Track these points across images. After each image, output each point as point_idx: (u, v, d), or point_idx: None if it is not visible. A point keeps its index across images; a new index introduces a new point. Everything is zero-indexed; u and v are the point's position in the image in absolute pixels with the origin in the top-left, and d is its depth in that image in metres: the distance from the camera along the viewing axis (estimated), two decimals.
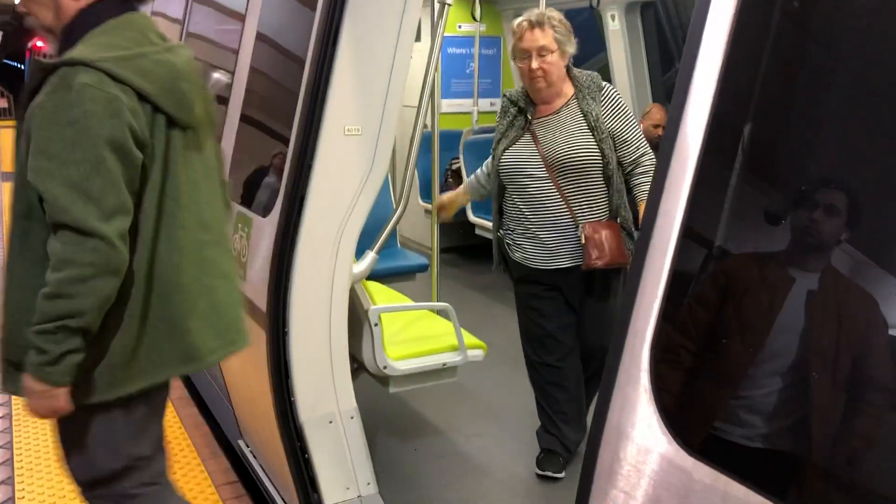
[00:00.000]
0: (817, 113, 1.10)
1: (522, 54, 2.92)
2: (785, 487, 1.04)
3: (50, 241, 1.76)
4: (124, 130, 1.78)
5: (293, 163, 2.45)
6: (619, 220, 2.99)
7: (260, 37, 3.02)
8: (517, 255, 3.12)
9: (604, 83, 3.02)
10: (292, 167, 2.45)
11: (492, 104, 7.12)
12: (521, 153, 3.00)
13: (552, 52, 2.87)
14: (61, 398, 1.82)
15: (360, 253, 2.68)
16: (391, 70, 2.50)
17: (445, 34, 7.08)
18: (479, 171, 3.37)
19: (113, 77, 1.77)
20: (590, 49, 7.00)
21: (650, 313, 1.18)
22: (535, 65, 2.88)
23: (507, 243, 3.17)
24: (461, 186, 3.52)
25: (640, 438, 1.17)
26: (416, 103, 2.93)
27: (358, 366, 2.99)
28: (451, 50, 7.21)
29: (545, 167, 2.94)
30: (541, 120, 3.01)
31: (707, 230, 1.19)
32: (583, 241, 2.92)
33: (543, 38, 2.87)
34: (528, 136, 3.00)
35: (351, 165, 2.50)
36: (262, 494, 3.15)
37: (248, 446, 3.30)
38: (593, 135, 2.91)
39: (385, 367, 2.90)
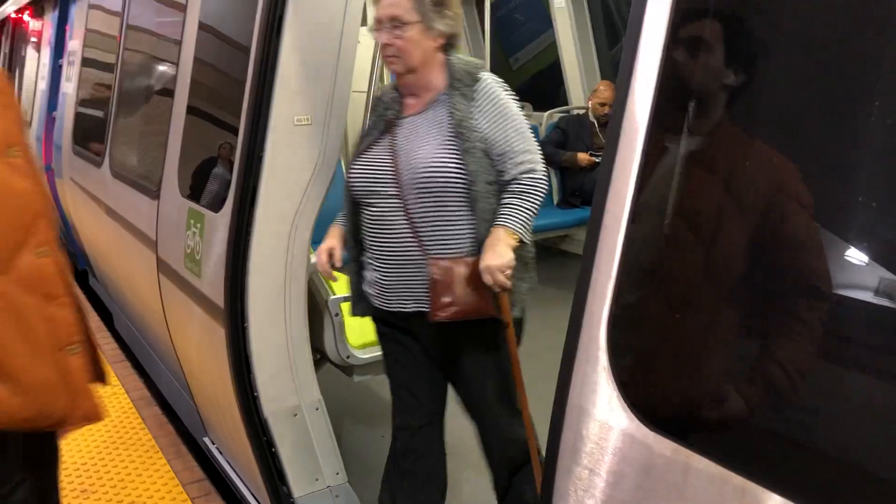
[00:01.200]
0: (768, 82, 1.12)
1: (377, 25, 2.23)
2: (738, 454, 1.06)
3: None
4: None
5: (242, 156, 2.41)
6: None
7: (203, 27, 2.96)
8: (362, 287, 2.40)
9: (482, 74, 2.25)
10: (242, 161, 2.41)
11: None
12: (373, 163, 2.27)
13: (408, 24, 2.16)
14: None
15: (316, 243, 2.66)
16: (338, 56, 2.46)
17: None
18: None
19: None
20: (536, 27, 7.02)
21: (605, 292, 1.20)
22: (384, 39, 2.20)
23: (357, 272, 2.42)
24: (332, 229, 2.44)
25: (601, 416, 1.19)
26: (366, 88, 2.90)
27: (321, 356, 2.98)
28: None
29: (397, 183, 2.21)
30: (405, 120, 2.29)
31: (658, 208, 1.20)
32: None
33: (396, 5, 2.17)
34: (387, 141, 2.28)
35: (301, 156, 2.48)
36: (230, 490, 3.13)
37: (213, 443, 3.28)
38: (457, 144, 2.17)
39: (348, 357, 2.90)
